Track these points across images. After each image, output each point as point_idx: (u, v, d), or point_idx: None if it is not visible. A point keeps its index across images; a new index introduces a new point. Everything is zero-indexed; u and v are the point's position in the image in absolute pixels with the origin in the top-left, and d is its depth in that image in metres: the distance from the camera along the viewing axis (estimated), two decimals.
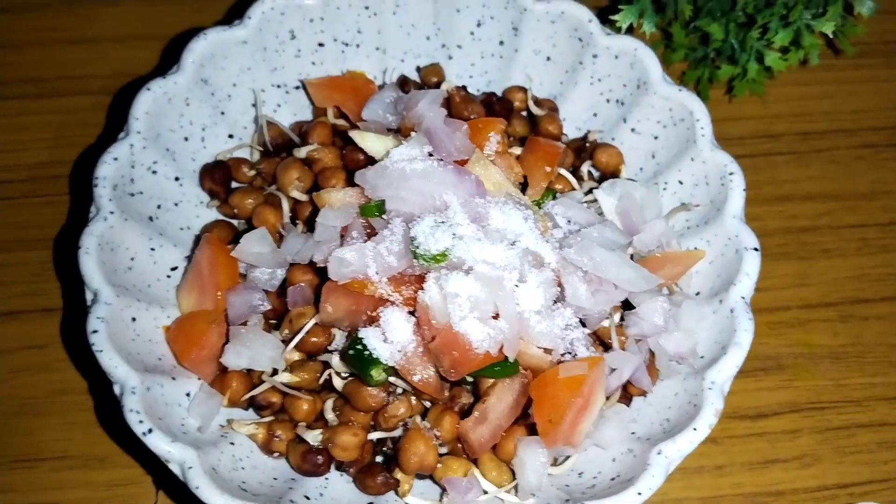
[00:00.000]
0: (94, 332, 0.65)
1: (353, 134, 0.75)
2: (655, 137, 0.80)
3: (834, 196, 0.92)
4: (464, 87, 0.82)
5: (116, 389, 0.65)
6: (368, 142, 0.75)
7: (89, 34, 0.98)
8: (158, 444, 0.62)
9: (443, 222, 0.65)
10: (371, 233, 0.69)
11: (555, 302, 0.68)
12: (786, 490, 0.77)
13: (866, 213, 0.91)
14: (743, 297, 0.69)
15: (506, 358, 0.65)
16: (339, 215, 0.69)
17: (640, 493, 0.61)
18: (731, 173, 0.74)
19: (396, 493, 0.69)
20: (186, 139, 0.79)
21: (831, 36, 0.88)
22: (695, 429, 0.64)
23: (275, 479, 0.68)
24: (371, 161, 0.74)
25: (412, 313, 0.66)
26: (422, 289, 0.65)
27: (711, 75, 0.91)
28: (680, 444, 0.63)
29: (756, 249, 0.71)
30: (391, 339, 0.66)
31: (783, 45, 0.85)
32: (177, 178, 0.78)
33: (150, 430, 0.62)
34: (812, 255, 0.88)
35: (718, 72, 0.91)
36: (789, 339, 0.84)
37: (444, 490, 0.68)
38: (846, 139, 0.95)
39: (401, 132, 0.76)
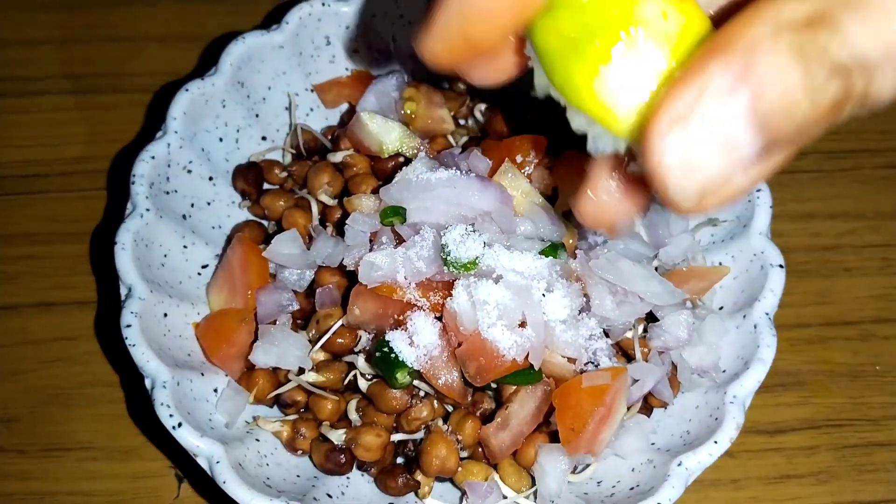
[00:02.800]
0: (128, 326, 0.67)
1: (362, 115, 0.76)
2: None
3: (858, 215, 0.92)
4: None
5: (147, 383, 0.66)
6: (375, 123, 0.76)
7: (128, 33, 1.00)
8: (188, 438, 0.64)
9: (473, 231, 0.66)
10: (399, 240, 0.70)
11: (580, 312, 0.69)
12: None
13: (890, 232, 0.91)
14: (767, 314, 0.70)
15: (531, 366, 0.66)
16: (368, 221, 0.71)
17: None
18: (758, 190, 0.75)
19: (416, 494, 0.70)
20: (221, 140, 0.80)
21: None
22: (715, 442, 0.65)
23: (298, 476, 0.70)
24: (397, 169, 0.75)
25: (439, 319, 0.68)
26: (449, 295, 0.66)
27: None
28: (700, 456, 0.64)
29: (781, 266, 0.72)
30: (417, 343, 0.67)
31: None
32: (210, 178, 0.79)
33: (179, 424, 0.64)
34: (834, 273, 0.89)
35: None
36: (809, 356, 0.85)
37: (463, 494, 0.69)
38: (872, 159, 0.95)
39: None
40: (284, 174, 0.82)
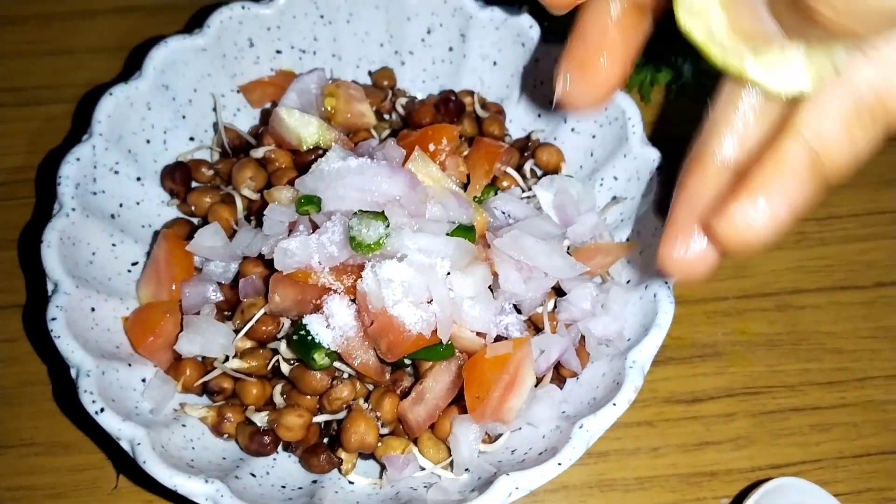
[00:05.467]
0: (53, 319, 0.70)
1: (280, 110, 0.80)
2: (593, 136, 0.84)
3: None
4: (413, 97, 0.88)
5: (73, 373, 0.69)
6: (293, 118, 0.79)
7: (66, 46, 1.03)
8: (109, 422, 0.66)
9: (379, 214, 0.69)
10: (316, 229, 0.73)
11: (490, 289, 0.72)
12: (719, 470, 0.80)
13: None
14: (666, 283, 0.73)
15: (440, 341, 0.69)
16: (286, 211, 0.74)
17: (560, 464, 0.65)
18: (658, 167, 0.78)
19: (340, 471, 0.73)
20: (148, 141, 0.83)
21: None
22: (614, 403, 0.67)
23: (224, 458, 0.72)
24: (314, 160, 0.78)
25: (354, 301, 0.70)
26: (361, 277, 0.69)
27: (653, 78, 0.96)
28: (601, 418, 0.67)
29: None
30: (333, 325, 0.70)
31: None
32: (138, 178, 0.82)
33: (102, 410, 0.66)
34: None
35: (659, 75, 0.95)
36: (726, 327, 0.88)
37: (384, 468, 0.72)
38: None
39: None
40: (211, 172, 0.85)
